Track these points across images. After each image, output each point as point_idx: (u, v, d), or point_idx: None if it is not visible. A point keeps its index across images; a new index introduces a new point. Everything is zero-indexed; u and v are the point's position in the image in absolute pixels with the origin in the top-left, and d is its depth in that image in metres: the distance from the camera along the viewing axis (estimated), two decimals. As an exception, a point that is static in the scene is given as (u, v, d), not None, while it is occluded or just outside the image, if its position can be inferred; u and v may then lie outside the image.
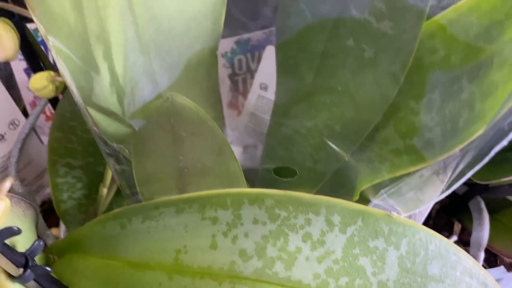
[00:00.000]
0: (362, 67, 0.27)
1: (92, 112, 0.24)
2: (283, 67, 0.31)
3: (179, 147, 0.25)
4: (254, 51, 0.44)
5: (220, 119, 0.31)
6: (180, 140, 0.25)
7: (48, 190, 0.47)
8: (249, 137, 0.48)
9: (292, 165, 0.34)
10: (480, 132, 0.27)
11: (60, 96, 0.36)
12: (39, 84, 0.25)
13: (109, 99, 0.25)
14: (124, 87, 0.25)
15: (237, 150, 0.47)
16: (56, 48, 0.21)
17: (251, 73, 0.46)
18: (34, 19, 0.21)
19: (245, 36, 0.43)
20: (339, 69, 0.28)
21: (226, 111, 0.50)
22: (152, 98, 0.27)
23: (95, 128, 0.26)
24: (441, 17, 0.27)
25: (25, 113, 0.41)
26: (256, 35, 0.43)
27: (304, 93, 0.31)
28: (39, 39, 0.40)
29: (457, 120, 0.27)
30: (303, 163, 0.33)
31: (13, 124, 0.40)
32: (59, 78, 0.25)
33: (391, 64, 0.26)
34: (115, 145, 0.27)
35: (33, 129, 0.41)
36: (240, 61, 0.45)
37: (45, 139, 0.42)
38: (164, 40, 0.24)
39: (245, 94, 0.46)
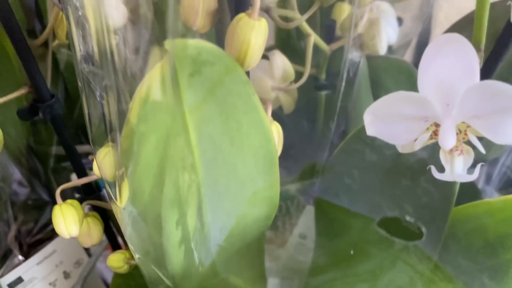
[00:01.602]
0: (394, 256, 0.31)
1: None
2: (324, 234, 0.35)
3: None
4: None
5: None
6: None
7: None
8: (287, 271, 0.51)
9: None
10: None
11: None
12: (116, 264, 0.30)
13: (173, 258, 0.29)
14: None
15: (274, 282, 0.50)
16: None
17: (290, 215, 0.51)
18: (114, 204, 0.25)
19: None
20: (374, 255, 0.31)
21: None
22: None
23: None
24: (462, 209, 0.31)
25: (89, 253, 0.46)
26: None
27: (341, 265, 0.34)
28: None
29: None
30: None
31: (78, 263, 0.45)
32: (133, 262, 0.30)
33: (420, 257, 0.30)
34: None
35: (94, 268, 0.46)
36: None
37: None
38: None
39: (284, 237, 0.50)
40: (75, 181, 0.29)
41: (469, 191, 0.38)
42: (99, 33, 0.24)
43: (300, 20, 0.29)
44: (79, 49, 0.26)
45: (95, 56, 0.25)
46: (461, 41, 0.21)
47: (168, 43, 0.17)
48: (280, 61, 0.33)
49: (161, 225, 0.26)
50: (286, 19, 0.29)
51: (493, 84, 0.21)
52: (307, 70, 0.31)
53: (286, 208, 0.48)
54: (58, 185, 0.48)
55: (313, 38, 0.31)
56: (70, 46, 0.28)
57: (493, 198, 0.30)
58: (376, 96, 0.35)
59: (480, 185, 0.43)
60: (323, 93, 0.36)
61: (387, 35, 0.34)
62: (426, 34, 0.49)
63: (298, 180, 0.43)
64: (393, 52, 0.39)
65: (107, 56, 0.24)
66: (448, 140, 0.22)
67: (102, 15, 0.24)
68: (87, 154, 0.43)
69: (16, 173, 0.48)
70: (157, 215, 0.24)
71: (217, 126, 0.20)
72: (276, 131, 0.25)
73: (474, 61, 0.21)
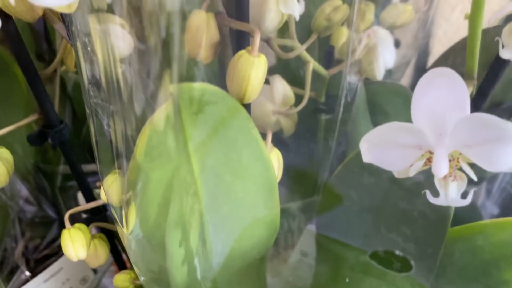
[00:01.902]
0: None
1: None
2: (322, 257, 0.36)
3: None
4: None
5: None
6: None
7: None
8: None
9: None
10: None
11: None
12: (121, 284, 0.31)
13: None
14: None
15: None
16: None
17: (292, 232, 0.51)
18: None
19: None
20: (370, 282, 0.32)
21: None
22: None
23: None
24: (458, 230, 0.32)
25: (95, 270, 0.47)
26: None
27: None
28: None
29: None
30: None
31: (84, 280, 0.46)
32: (138, 282, 0.31)
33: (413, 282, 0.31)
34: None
35: (100, 285, 0.47)
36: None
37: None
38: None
39: (285, 253, 0.51)
40: (83, 206, 0.30)
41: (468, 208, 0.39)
42: (106, 63, 0.25)
43: (300, 50, 0.30)
44: (86, 79, 0.27)
45: (102, 85, 0.26)
46: (451, 75, 0.22)
47: (173, 87, 0.18)
48: (281, 85, 0.34)
49: (166, 248, 0.27)
50: (285, 47, 0.30)
51: (482, 116, 0.22)
52: (307, 95, 0.32)
53: (288, 226, 0.49)
54: (65, 203, 0.50)
55: (312, 64, 0.32)
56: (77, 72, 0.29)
57: (488, 219, 0.31)
58: (374, 119, 0.36)
59: (480, 200, 0.44)
60: (323, 115, 0.37)
61: (385, 61, 0.35)
62: (425, 52, 0.50)
63: (300, 198, 0.44)
64: (392, 72, 0.40)
65: (113, 85, 0.25)
66: (441, 168, 0.23)
67: (109, 45, 0.25)
68: (94, 172, 0.44)
69: (24, 191, 0.49)
70: (161, 240, 0.25)
71: (219, 158, 0.21)
72: (276, 158, 0.26)
73: (464, 93, 0.22)
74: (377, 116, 0.35)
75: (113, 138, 0.26)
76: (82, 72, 0.27)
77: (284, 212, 0.50)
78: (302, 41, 0.31)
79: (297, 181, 0.40)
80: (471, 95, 0.28)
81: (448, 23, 0.59)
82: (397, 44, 0.41)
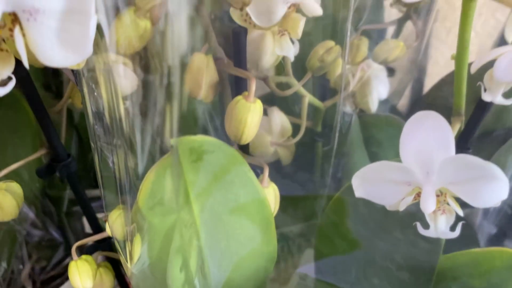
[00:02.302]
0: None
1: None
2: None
3: None
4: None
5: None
6: None
7: None
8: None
9: None
10: None
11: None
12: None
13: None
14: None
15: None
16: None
17: (292, 255, 0.53)
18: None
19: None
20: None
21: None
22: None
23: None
24: (450, 257, 0.33)
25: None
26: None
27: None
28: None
29: None
30: None
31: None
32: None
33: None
34: None
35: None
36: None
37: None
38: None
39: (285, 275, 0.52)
40: (89, 238, 0.32)
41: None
42: (109, 100, 0.26)
43: (296, 87, 0.31)
44: (92, 116, 0.28)
45: (107, 122, 0.27)
46: (436, 117, 0.24)
47: (173, 140, 0.19)
48: (278, 117, 0.36)
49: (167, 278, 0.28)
50: (281, 84, 0.32)
51: (466, 157, 0.23)
52: (303, 128, 0.34)
53: (288, 249, 0.50)
54: (71, 227, 0.51)
55: (308, 98, 0.34)
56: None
57: (478, 248, 0.32)
58: (369, 149, 0.37)
59: (478, 220, 0.45)
60: (320, 145, 0.38)
61: (378, 93, 0.37)
62: (422, 74, 0.51)
63: (299, 222, 0.45)
64: (388, 99, 0.42)
65: (117, 122, 0.26)
66: (428, 204, 0.25)
67: (112, 83, 0.26)
68: (99, 197, 0.45)
69: (31, 215, 0.51)
70: (164, 272, 0.26)
71: (218, 199, 0.22)
72: (272, 192, 0.28)
73: (449, 135, 0.24)
74: (372, 146, 0.37)
75: (117, 174, 0.27)
76: (87, 111, 0.28)
77: (284, 235, 0.52)
78: (297, 71, 0.33)
79: (296, 205, 0.41)
80: (460, 130, 0.30)
81: (445, 45, 0.61)
82: (392, 72, 0.42)
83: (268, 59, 0.30)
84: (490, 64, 0.25)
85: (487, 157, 0.38)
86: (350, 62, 0.37)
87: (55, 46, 0.18)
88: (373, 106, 0.36)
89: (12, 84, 0.19)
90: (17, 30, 0.17)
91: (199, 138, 0.21)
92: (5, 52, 0.19)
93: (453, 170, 0.24)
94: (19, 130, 0.37)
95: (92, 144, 0.29)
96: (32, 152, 0.33)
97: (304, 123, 0.34)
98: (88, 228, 0.49)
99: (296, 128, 0.36)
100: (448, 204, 0.26)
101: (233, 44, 0.26)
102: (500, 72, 0.22)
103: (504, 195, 0.23)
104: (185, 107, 0.24)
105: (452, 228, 0.26)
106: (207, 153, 0.21)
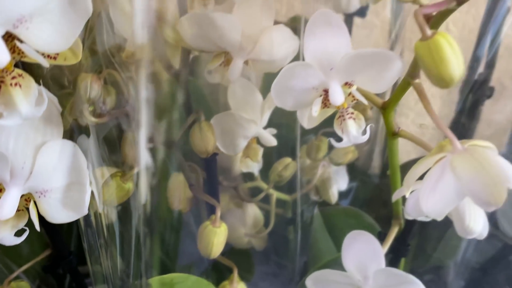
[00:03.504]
0: None
1: None
2: None
3: None
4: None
5: None
6: None
7: None
8: None
9: None
10: None
11: None
12: None
13: None
14: None
15: None
16: None
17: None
18: None
19: None
20: None
21: None
22: None
23: None
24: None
25: None
26: None
27: None
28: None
29: None
30: None
31: None
32: None
33: None
34: None
35: None
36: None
37: None
38: None
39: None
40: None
41: None
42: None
43: (267, 190, 0.37)
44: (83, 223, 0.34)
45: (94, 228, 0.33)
46: (366, 235, 0.29)
47: (151, 280, 0.25)
48: (251, 211, 0.41)
49: None
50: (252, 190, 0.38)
51: (392, 270, 0.28)
52: (272, 221, 0.39)
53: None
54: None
55: (275, 195, 0.39)
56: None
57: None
58: (332, 236, 0.43)
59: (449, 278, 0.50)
60: (291, 231, 0.43)
61: (338, 186, 0.42)
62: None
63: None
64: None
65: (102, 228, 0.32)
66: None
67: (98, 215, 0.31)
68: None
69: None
70: None
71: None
72: (223, 233, 0.30)
73: (378, 249, 0.29)
74: (335, 232, 0.42)
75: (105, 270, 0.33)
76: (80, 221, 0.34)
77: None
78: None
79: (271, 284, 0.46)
80: (399, 230, 0.35)
81: (414, 113, 0.67)
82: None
83: (237, 170, 0.35)
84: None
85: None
86: (312, 160, 0.43)
87: (60, 210, 0.24)
88: (334, 198, 0.42)
89: (25, 234, 0.25)
90: (31, 205, 0.23)
91: (172, 275, 0.26)
92: (21, 211, 0.25)
93: (384, 279, 0.29)
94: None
95: (84, 245, 0.35)
96: (39, 251, 0.38)
97: (273, 217, 0.39)
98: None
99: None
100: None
101: (205, 171, 0.32)
102: (409, 210, 0.27)
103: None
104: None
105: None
106: (178, 284, 0.26)
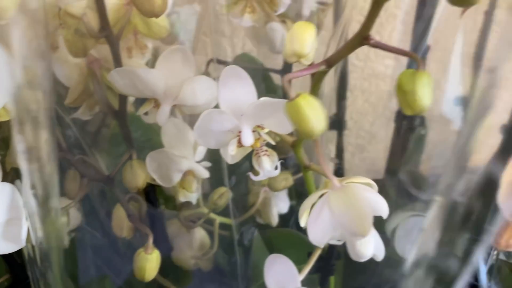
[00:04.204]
0: None
1: None
2: None
3: None
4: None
5: None
6: None
7: None
8: None
9: None
10: None
11: None
12: None
13: None
14: None
15: None
16: None
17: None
18: None
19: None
20: None
21: None
22: None
23: None
24: None
25: None
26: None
27: None
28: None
29: None
30: None
31: None
32: None
33: None
34: None
35: None
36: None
37: None
38: None
39: None
40: None
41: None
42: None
43: (205, 217, 0.41)
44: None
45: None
46: (282, 258, 0.33)
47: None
48: (198, 234, 0.45)
49: None
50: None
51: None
52: (215, 247, 0.43)
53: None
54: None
55: (218, 220, 0.43)
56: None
57: None
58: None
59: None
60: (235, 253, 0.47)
61: (278, 209, 0.46)
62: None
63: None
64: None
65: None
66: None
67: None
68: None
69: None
70: None
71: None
72: (155, 259, 0.33)
73: (293, 270, 0.33)
74: (274, 253, 0.46)
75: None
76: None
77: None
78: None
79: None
80: (324, 250, 0.39)
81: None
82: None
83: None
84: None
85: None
86: (256, 185, 0.46)
87: (2, 242, 0.27)
88: (274, 221, 0.46)
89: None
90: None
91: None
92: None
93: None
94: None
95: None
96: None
97: (216, 242, 0.43)
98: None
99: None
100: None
101: (146, 201, 0.36)
102: (310, 237, 0.30)
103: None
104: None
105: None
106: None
